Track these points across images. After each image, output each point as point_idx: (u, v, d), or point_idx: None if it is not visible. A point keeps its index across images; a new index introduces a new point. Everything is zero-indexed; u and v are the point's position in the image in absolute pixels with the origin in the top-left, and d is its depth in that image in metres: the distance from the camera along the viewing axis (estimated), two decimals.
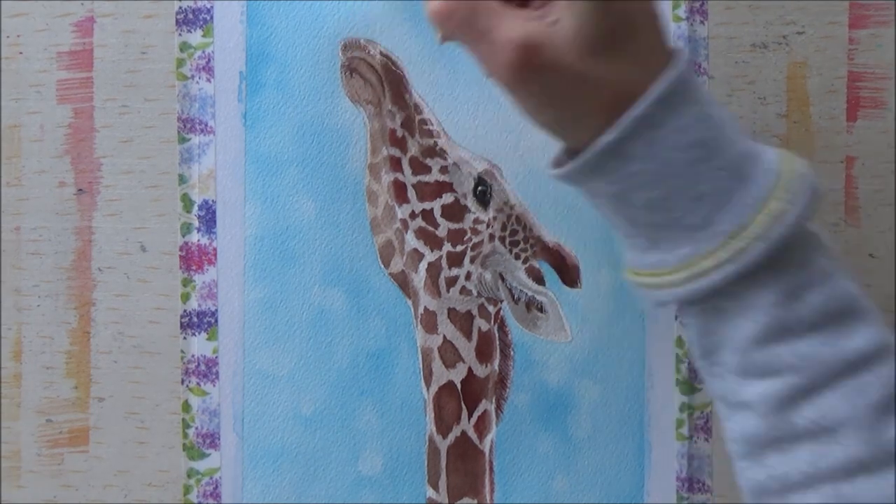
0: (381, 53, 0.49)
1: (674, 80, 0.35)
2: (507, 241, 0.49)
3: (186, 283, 0.50)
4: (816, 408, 0.35)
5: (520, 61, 0.35)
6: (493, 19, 0.36)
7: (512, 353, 0.49)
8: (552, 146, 0.39)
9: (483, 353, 0.49)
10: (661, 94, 0.35)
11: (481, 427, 0.49)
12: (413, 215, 0.49)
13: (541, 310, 0.49)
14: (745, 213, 0.35)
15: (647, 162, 0.35)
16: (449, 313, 0.49)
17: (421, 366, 0.49)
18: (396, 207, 0.49)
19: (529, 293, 0.49)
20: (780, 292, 0.36)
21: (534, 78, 0.35)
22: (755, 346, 0.36)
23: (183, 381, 0.50)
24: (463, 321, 0.49)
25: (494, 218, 0.49)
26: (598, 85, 0.35)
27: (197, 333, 0.50)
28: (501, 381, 0.49)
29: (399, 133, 0.49)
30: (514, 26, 0.35)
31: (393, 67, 0.49)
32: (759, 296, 0.36)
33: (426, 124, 0.49)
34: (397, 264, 0.49)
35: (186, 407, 0.50)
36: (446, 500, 0.49)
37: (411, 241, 0.49)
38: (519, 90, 0.37)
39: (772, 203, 0.35)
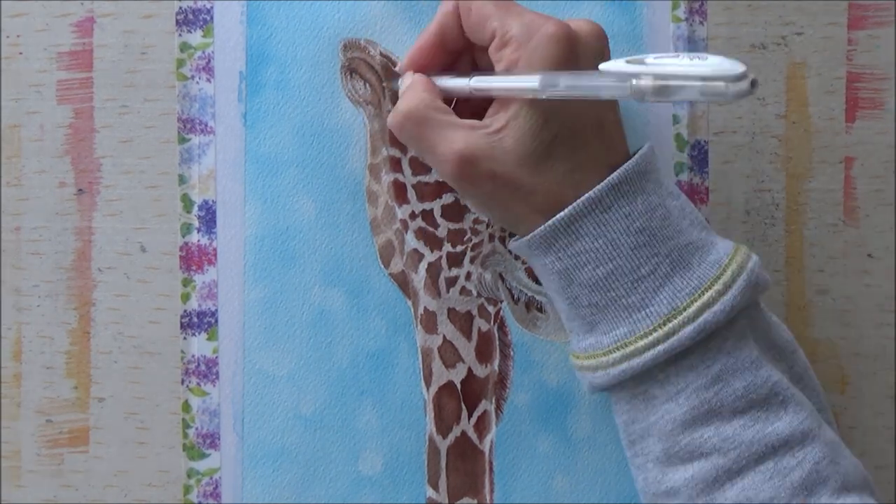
0: (381, 54, 0.49)
1: (629, 170, 0.39)
2: (507, 241, 0.49)
3: (186, 283, 0.50)
4: (740, 489, 0.38)
5: (458, 172, 0.39)
6: (438, 131, 0.40)
7: (512, 353, 0.49)
8: None
9: (483, 353, 0.49)
10: (614, 181, 0.39)
11: (481, 427, 0.49)
12: (413, 215, 0.49)
13: (541, 310, 0.49)
14: (680, 297, 0.38)
15: (595, 241, 0.39)
16: (449, 313, 0.49)
17: (421, 366, 0.49)
18: (396, 208, 0.49)
19: (529, 293, 0.49)
20: (707, 376, 0.38)
21: (474, 185, 0.40)
22: (682, 430, 0.38)
23: (183, 381, 0.50)
24: (463, 321, 0.49)
25: None
26: (533, 192, 0.39)
27: (197, 333, 0.50)
28: (501, 381, 0.49)
29: None
30: (457, 138, 0.39)
31: (393, 68, 0.49)
32: (688, 378, 0.38)
33: None
34: (397, 264, 0.49)
35: (186, 407, 0.50)
36: (446, 500, 0.49)
37: (411, 241, 0.49)
38: (464, 194, 0.42)
39: (707, 292, 0.38)
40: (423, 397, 0.49)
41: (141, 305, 0.50)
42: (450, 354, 0.49)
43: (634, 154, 0.40)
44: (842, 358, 0.49)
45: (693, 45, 0.49)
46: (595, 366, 0.40)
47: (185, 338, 0.50)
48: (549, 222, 0.39)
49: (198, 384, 0.50)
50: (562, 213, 0.39)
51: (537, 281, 0.49)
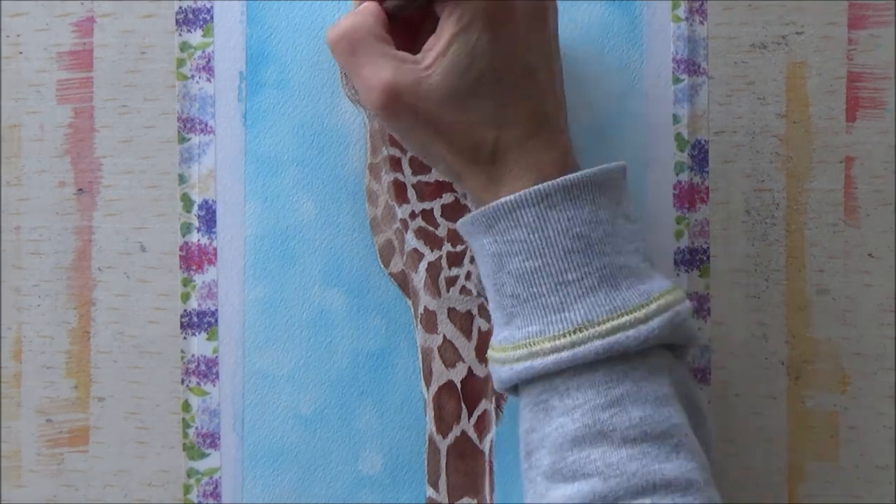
0: None
1: (584, 177, 0.39)
2: None
3: (186, 282, 0.50)
4: None
5: (382, 102, 0.40)
6: (370, 57, 0.40)
7: None
8: None
9: (483, 353, 0.49)
10: (566, 183, 0.39)
11: (481, 427, 0.49)
12: (413, 215, 0.49)
13: None
14: (598, 311, 0.38)
15: (532, 233, 0.38)
16: (449, 313, 0.49)
17: (421, 366, 0.49)
18: (396, 207, 0.49)
19: None
20: (607, 397, 0.38)
21: (396, 117, 0.40)
22: (571, 447, 0.38)
23: (183, 381, 0.50)
24: (463, 321, 0.49)
25: None
26: (453, 130, 0.40)
27: (197, 333, 0.50)
28: None
29: None
30: (385, 68, 0.40)
31: None
32: (587, 395, 0.38)
33: None
34: (397, 264, 0.49)
35: (186, 407, 0.50)
36: (446, 500, 0.49)
37: (411, 240, 0.49)
38: (388, 126, 0.42)
39: (626, 316, 0.38)
40: (423, 397, 0.49)
41: (141, 305, 0.50)
42: (450, 354, 0.49)
43: (603, 166, 0.40)
44: (842, 358, 0.49)
45: (693, 44, 0.49)
46: (503, 359, 0.40)
47: (185, 338, 0.50)
48: (493, 203, 0.39)
49: (198, 384, 0.50)
50: (507, 198, 0.39)
51: None
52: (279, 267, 0.49)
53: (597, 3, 0.49)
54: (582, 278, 0.38)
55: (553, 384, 0.38)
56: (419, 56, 0.40)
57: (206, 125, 0.50)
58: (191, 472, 0.50)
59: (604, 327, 0.38)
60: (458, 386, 0.49)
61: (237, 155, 0.50)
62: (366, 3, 0.42)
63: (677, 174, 0.49)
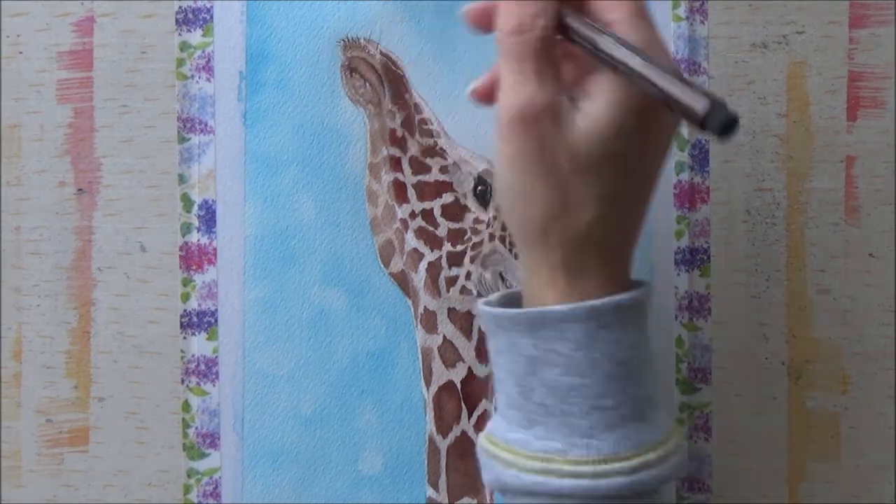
0: (381, 53, 0.49)
1: (637, 298, 0.37)
2: (508, 240, 0.49)
3: (186, 282, 0.50)
4: None
5: (519, 113, 0.36)
6: (534, 67, 0.36)
7: None
8: None
9: (483, 353, 0.49)
10: (622, 303, 0.36)
11: (481, 427, 0.49)
12: (413, 215, 0.49)
13: None
14: (626, 446, 0.36)
15: (577, 350, 0.36)
16: (449, 313, 0.49)
17: (421, 366, 0.49)
18: (396, 207, 0.49)
19: None
20: None
21: (514, 133, 0.36)
22: None
23: (183, 381, 0.50)
24: (463, 321, 0.49)
25: (494, 217, 0.49)
26: (546, 190, 0.36)
27: (197, 333, 0.50)
28: None
29: (399, 133, 0.49)
30: (545, 86, 0.36)
31: (393, 67, 0.49)
32: None
33: (426, 124, 0.49)
34: (397, 264, 0.49)
35: (186, 407, 0.50)
36: (446, 500, 0.49)
37: (411, 240, 0.49)
38: (508, 133, 0.37)
39: (650, 453, 0.36)
40: (423, 397, 0.49)
41: (141, 305, 0.50)
42: (450, 354, 0.49)
43: (640, 284, 0.39)
44: (842, 358, 0.49)
45: (694, 43, 0.49)
46: (511, 462, 0.37)
47: (184, 337, 0.50)
48: (542, 309, 0.37)
49: (198, 384, 0.50)
50: (557, 308, 0.36)
51: None
52: (279, 267, 0.49)
53: None
54: (617, 406, 0.36)
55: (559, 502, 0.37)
56: (573, 94, 0.37)
57: (206, 125, 0.50)
58: (191, 472, 0.50)
59: (630, 463, 0.36)
60: (458, 386, 0.49)
61: (237, 155, 0.50)
62: (548, 3, 0.37)
63: (678, 174, 0.49)
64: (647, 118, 0.36)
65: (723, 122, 0.33)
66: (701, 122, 0.33)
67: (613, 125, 0.35)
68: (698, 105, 0.33)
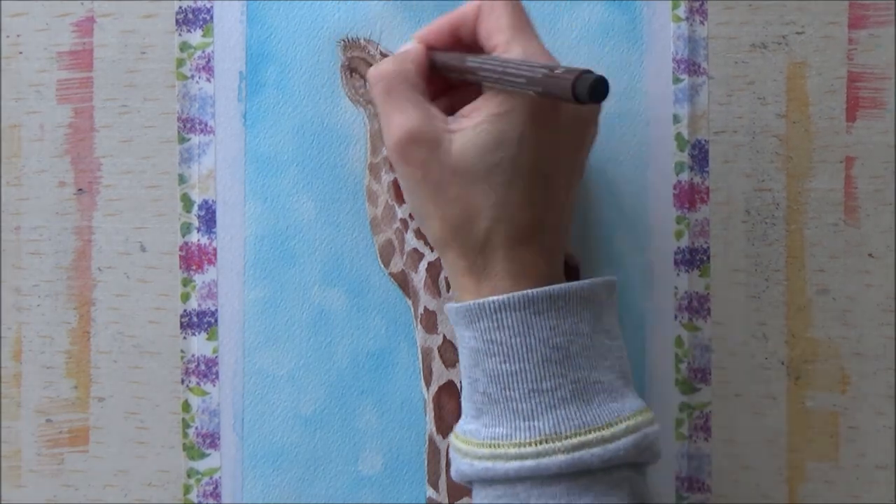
0: (381, 53, 0.49)
1: (571, 289, 0.39)
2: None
3: (186, 282, 0.50)
4: None
5: (400, 146, 0.40)
6: (403, 102, 0.40)
7: None
8: None
9: None
10: (554, 293, 0.39)
11: None
12: (413, 215, 0.49)
13: None
14: (567, 425, 0.38)
15: (513, 337, 0.39)
16: None
17: (421, 366, 0.49)
18: (396, 207, 0.49)
19: None
20: None
21: (407, 164, 0.40)
22: None
23: (183, 381, 0.50)
24: None
25: None
26: (452, 200, 0.39)
27: (197, 333, 0.50)
28: None
29: None
30: (414, 116, 0.40)
31: None
32: None
33: None
34: (397, 264, 0.49)
35: (186, 407, 0.50)
36: (446, 500, 0.49)
37: (411, 240, 0.49)
38: (396, 169, 0.41)
39: (592, 433, 0.38)
40: (423, 397, 0.49)
41: (141, 305, 0.50)
42: (450, 354, 0.49)
43: (591, 280, 0.40)
44: (842, 358, 0.49)
45: (693, 44, 0.49)
46: (465, 451, 0.40)
47: (184, 337, 0.50)
48: (479, 301, 0.39)
49: (198, 384, 0.50)
50: (494, 298, 0.39)
51: None
52: (279, 267, 0.49)
53: (597, 3, 0.49)
54: (555, 389, 0.38)
55: (514, 490, 0.38)
56: (450, 118, 0.40)
57: (206, 125, 0.50)
58: (191, 472, 0.50)
59: (570, 441, 0.38)
60: (459, 386, 0.49)
61: (237, 155, 0.50)
62: (412, 48, 0.42)
63: (677, 174, 0.49)
64: (540, 120, 0.39)
65: (591, 87, 0.34)
66: (573, 94, 0.35)
67: (490, 137, 0.39)
68: (564, 81, 0.35)
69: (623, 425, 0.38)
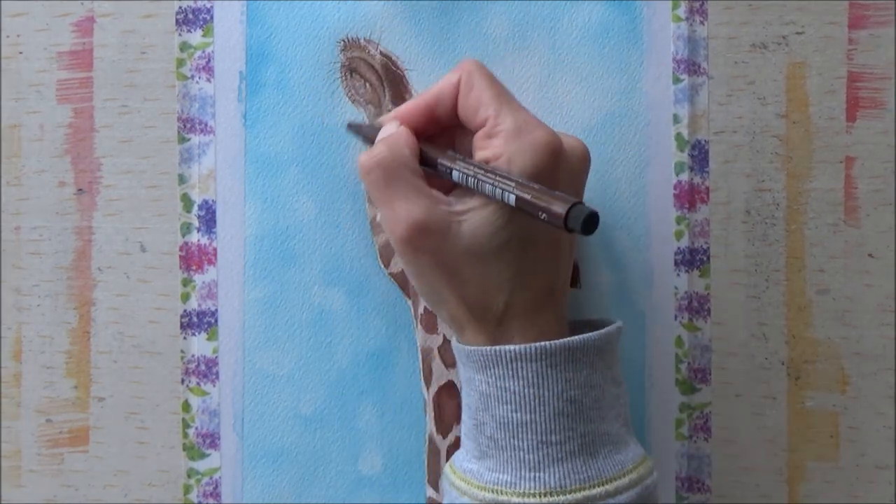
0: (381, 53, 0.49)
1: (589, 341, 0.39)
2: None
3: (186, 283, 0.50)
4: None
5: (408, 237, 0.39)
6: (404, 191, 0.39)
7: None
8: None
9: None
10: (571, 345, 0.39)
11: None
12: None
13: None
14: (573, 479, 0.38)
15: (527, 388, 0.38)
16: None
17: (421, 366, 0.49)
18: None
19: None
20: None
21: (417, 253, 0.39)
22: None
23: (183, 381, 0.50)
24: None
25: None
26: (467, 282, 0.39)
27: (197, 333, 0.50)
28: None
29: None
30: (419, 205, 0.39)
31: (393, 67, 0.49)
32: None
33: None
34: (397, 264, 0.49)
35: (186, 407, 0.50)
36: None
37: None
38: (403, 258, 0.40)
39: (597, 488, 0.38)
40: (423, 397, 0.49)
41: (141, 305, 0.50)
42: (450, 354, 0.49)
43: (603, 327, 0.41)
44: (842, 358, 0.49)
45: (693, 44, 0.49)
46: (464, 491, 0.40)
47: (185, 338, 0.50)
48: (496, 347, 0.39)
49: (198, 384, 0.50)
50: (511, 347, 0.38)
51: None
52: (279, 267, 0.49)
53: (597, 3, 0.49)
54: (564, 442, 0.38)
55: None
56: (452, 199, 0.40)
57: (206, 125, 0.50)
58: (191, 472, 0.50)
59: (575, 496, 0.38)
60: (458, 386, 0.49)
61: (237, 155, 0.50)
62: (400, 131, 0.41)
63: (677, 174, 0.49)
64: None
65: (584, 220, 0.35)
66: (564, 225, 0.35)
67: (499, 215, 0.39)
68: (557, 209, 0.36)
69: (626, 479, 0.39)
